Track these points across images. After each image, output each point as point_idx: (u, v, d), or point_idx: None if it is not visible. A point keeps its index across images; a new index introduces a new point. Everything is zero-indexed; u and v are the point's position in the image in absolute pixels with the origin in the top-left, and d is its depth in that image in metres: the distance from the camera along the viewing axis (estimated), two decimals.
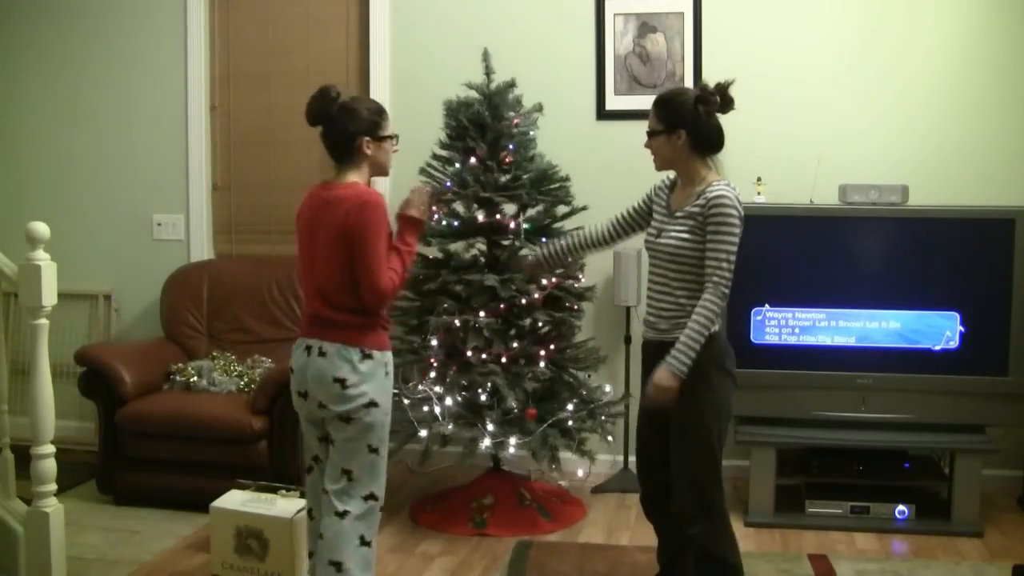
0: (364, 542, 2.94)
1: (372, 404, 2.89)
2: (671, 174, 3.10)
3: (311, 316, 2.95)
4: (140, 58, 5.13)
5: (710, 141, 2.97)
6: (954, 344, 4.07)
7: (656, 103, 3.04)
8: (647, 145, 3.05)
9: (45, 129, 5.28)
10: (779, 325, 4.16)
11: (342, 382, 2.85)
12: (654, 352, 2.98)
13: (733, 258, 2.89)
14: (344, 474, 2.92)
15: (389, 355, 2.97)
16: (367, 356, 2.88)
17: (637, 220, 3.24)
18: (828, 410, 4.15)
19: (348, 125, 2.91)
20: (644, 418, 3.14)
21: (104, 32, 5.16)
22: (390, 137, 3.00)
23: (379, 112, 2.99)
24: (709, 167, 2.98)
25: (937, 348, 4.08)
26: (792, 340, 4.16)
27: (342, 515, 2.91)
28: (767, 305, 4.16)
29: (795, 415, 4.16)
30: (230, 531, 3.56)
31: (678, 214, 2.97)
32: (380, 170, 3.03)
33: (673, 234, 2.95)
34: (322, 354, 2.88)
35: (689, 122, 2.94)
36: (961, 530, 4.02)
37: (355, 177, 2.95)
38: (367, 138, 2.93)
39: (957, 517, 4.03)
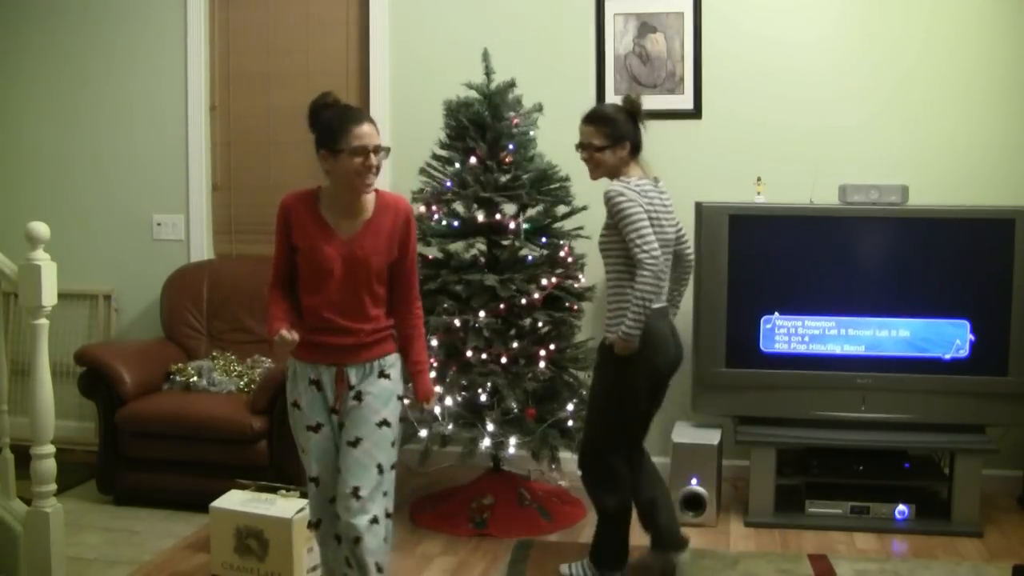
0: (379, 569, 2.91)
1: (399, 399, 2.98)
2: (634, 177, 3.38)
3: None
4: (140, 58, 5.13)
5: (641, 146, 3.41)
6: (964, 352, 4.06)
7: (598, 120, 3.38)
8: (589, 159, 3.39)
9: (45, 129, 5.28)
10: (788, 334, 4.15)
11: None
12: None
13: (640, 232, 3.20)
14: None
15: (293, 363, 2.95)
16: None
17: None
18: (828, 410, 4.15)
19: (313, 134, 2.87)
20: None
21: (104, 32, 5.17)
22: (346, 151, 2.77)
23: (340, 122, 2.79)
24: (639, 167, 3.40)
25: (947, 357, 4.07)
26: (802, 349, 4.15)
27: (355, 540, 2.91)
28: (777, 313, 4.15)
29: (795, 415, 4.16)
30: (230, 531, 3.56)
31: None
32: (348, 186, 2.83)
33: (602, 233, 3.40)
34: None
35: (631, 133, 3.36)
36: (961, 530, 4.02)
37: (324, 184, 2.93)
38: (323, 150, 2.82)
39: (957, 517, 4.03)
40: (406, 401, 3.97)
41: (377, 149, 2.84)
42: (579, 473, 3.54)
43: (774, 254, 4.17)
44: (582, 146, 3.40)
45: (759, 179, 4.43)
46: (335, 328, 2.87)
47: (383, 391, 2.91)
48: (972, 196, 4.35)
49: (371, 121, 2.86)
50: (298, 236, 2.88)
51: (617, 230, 3.27)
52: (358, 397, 2.88)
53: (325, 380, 2.90)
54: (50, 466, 3.41)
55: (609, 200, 3.27)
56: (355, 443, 2.85)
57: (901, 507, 4.09)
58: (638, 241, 3.19)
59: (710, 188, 4.46)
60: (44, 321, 3.41)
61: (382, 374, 2.92)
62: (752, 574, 3.61)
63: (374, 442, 2.85)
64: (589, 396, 3.51)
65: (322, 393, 2.91)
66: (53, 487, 3.43)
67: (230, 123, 5.12)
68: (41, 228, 3.35)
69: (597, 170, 3.40)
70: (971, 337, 4.05)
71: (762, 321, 4.15)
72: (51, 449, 3.41)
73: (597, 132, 3.34)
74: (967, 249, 4.06)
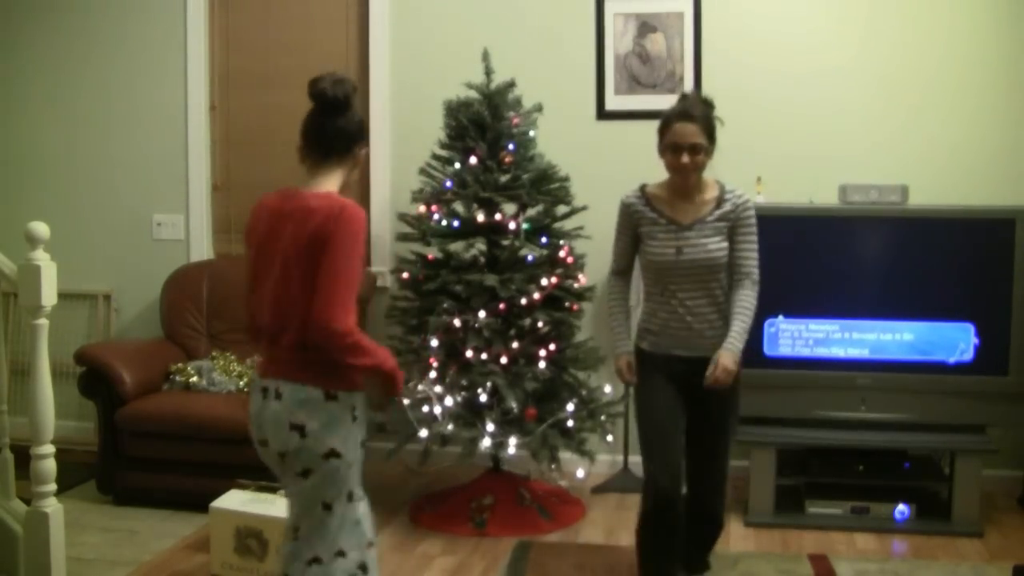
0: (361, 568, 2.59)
1: (334, 454, 2.48)
2: (629, 192, 3.24)
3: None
4: (140, 58, 5.13)
5: None
6: (968, 356, 4.05)
7: (703, 118, 3.06)
8: (692, 164, 3.04)
9: (45, 129, 5.28)
10: (792, 337, 4.15)
11: (300, 428, 2.45)
12: (690, 367, 3.11)
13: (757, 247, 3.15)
14: (293, 531, 2.60)
15: (359, 396, 2.55)
16: (331, 398, 2.48)
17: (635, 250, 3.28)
18: (828, 410, 4.15)
19: (352, 123, 2.56)
20: (668, 413, 3.16)
21: (104, 32, 5.16)
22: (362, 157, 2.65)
23: (363, 128, 2.64)
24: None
25: (952, 360, 4.06)
26: (806, 352, 4.15)
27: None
28: (781, 316, 4.15)
29: (795, 415, 4.16)
30: (230, 531, 3.56)
31: (700, 225, 3.11)
32: (345, 187, 2.63)
33: (710, 246, 3.09)
34: (278, 396, 2.49)
35: (715, 134, 3.11)
36: (961, 530, 4.01)
37: (331, 185, 2.55)
38: (362, 145, 2.60)
39: (957, 517, 4.03)
40: (406, 402, 3.93)
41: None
42: (720, 517, 3.31)
43: (774, 255, 4.13)
44: (687, 148, 3.03)
45: (759, 179, 4.43)
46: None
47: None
48: (972, 196, 4.35)
49: None
50: None
51: (729, 240, 3.11)
52: None
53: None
54: (50, 466, 3.41)
55: (748, 209, 3.11)
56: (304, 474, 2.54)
57: (901, 507, 4.09)
58: (757, 256, 3.13)
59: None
60: (44, 321, 3.40)
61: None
62: (752, 574, 3.61)
63: (322, 476, 2.53)
64: (726, 424, 3.23)
65: None
66: (53, 487, 3.42)
67: (230, 123, 5.12)
68: (41, 228, 3.35)
69: (693, 175, 3.08)
70: (975, 341, 4.05)
71: (766, 324, 4.14)
72: (51, 449, 3.41)
73: (701, 131, 3.04)
74: (967, 249, 4.06)
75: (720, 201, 3.12)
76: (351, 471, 2.54)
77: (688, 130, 3.02)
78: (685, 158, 3.03)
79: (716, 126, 3.08)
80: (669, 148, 3.07)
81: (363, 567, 2.61)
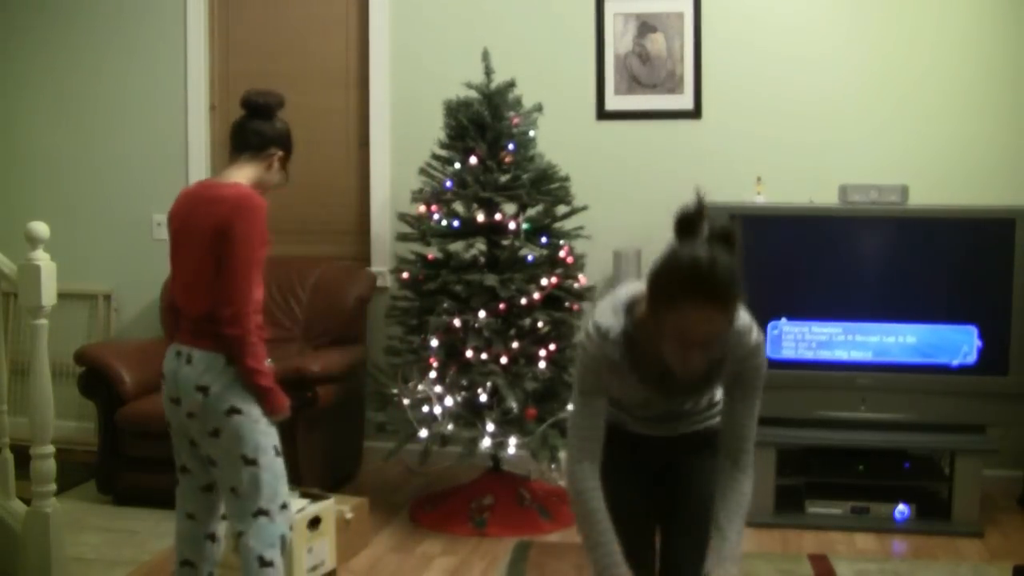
0: (264, 563, 2.77)
1: (234, 412, 2.71)
2: (603, 325, 2.14)
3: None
4: (140, 58, 5.13)
5: None
6: (972, 359, 4.05)
7: (724, 296, 1.96)
8: (703, 357, 2.02)
9: (45, 129, 5.28)
10: (796, 340, 4.15)
11: (205, 390, 2.70)
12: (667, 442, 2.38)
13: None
14: (232, 492, 2.77)
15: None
16: (231, 362, 2.71)
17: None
18: (828, 410, 4.15)
19: (271, 128, 2.88)
20: (643, 522, 2.44)
21: (104, 32, 5.16)
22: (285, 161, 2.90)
23: (289, 137, 2.93)
24: None
25: (955, 363, 4.06)
26: (809, 355, 4.14)
27: (238, 536, 2.80)
28: (784, 319, 4.15)
29: (795, 415, 4.16)
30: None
31: (694, 406, 2.35)
32: (263, 191, 2.85)
33: (708, 420, 2.36)
34: (189, 361, 2.74)
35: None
36: (961, 530, 4.01)
37: (241, 178, 2.81)
38: (282, 153, 2.89)
39: (957, 517, 4.03)
40: (406, 402, 3.93)
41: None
42: None
43: (775, 255, 4.16)
44: (701, 343, 1.98)
45: (759, 179, 4.43)
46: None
47: None
48: (972, 196, 4.35)
49: None
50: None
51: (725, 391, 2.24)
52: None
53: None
54: (50, 466, 3.41)
55: (754, 361, 2.17)
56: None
57: (901, 507, 4.09)
58: (755, 426, 2.22)
59: (710, 188, 4.39)
60: (44, 321, 3.40)
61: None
62: (752, 574, 3.61)
63: (228, 433, 2.81)
64: (705, 491, 2.32)
65: None
66: (53, 487, 3.43)
67: (230, 123, 5.09)
68: (41, 228, 3.35)
69: (704, 361, 2.05)
70: (979, 343, 4.04)
71: (769, 327, 4.14)
72: (51, 449, 3.41)
73: (725, 316, 1.98)
74: (968, 250, 4.05)
75: (722, 358, 2.15)
76: (257, 427, 2.74)
77: (708, 318, 1.94)
78: (698, 355, 2.00)
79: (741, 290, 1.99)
80: (673, 333, 1.98)
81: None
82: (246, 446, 2.74)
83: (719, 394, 2.33)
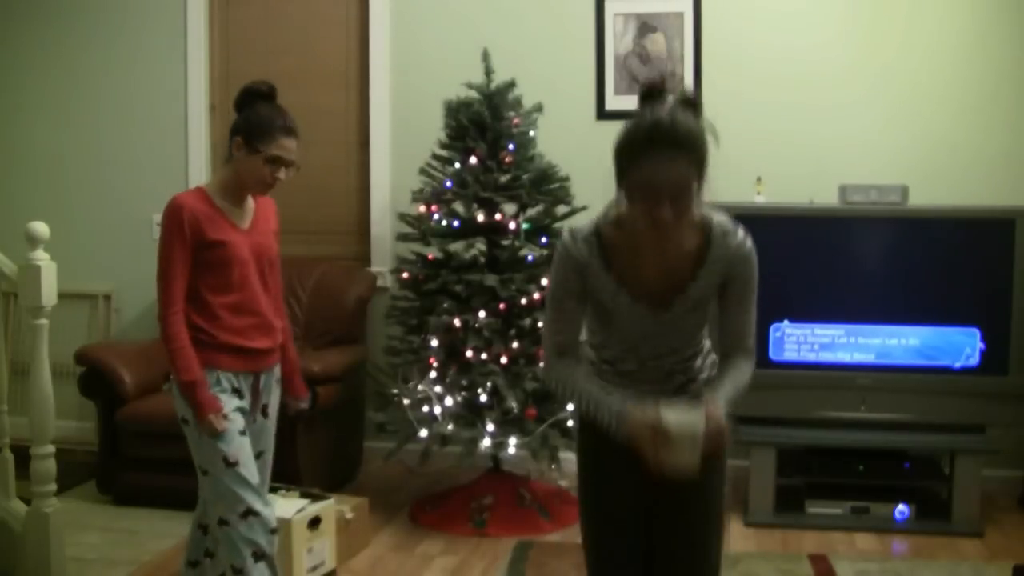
0: (235, 571, 2.72)
1: (183, 421, 2.71)
2: (575, 228, 2.26)
3: None
4: (140, 58, 5.13)
5: None
6: (974, 361, 4.05)
7: (686, 144, 1.95)
8: (677, 214, 1.98)
9: (45, 129, 5.28)
10: (798, 342, 4.14)
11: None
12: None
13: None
14: (203, 500, 2.86)
15: (214, 373, 2.72)
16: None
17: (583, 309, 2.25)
18: (828, 410, 4.15)
19: (236, 112, 2.76)
20: (619, 526, 2.29)
21: (104, 32, 5.16)
22: (264, 156, 2.72)
23: (271, 126, 2.72)
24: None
25: (957, 365, 4.06)
26: (811, 357, 4.14)
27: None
28: (786, 321, 4.15)
29: (795, 415, 4.16)
30: None
31: (682, 299, 2.17)
32: (244, 184, 2.78)
33: (693, 320, 2.21)
34: None
35: (707, 161, 2.01)
36: (961, 530, 4.02)
37: (213, 179, 2.79)
38: (241, 139, 2.73)
39: (957, 517, 4.03)
40: (406, 402, 3.94)
41: (290, 164, 2.79)
42: None
43: (775, 256, 4.13)
44: (669, 194, 1.97)
45: (759, 179, 4.43)
46: (262, 327, 2.84)
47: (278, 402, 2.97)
48: (972, 196, 4.35)
49: (298, 136, 2.82)
50: (211, 231, 2.73)
51: (718, 296, 2.18)
52: (264, 410, 2.91)
53: (245, 389, 2.84)
54: (50, 466, 3.41)
55: (745, 257, 2.14)
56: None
57: (901, 507, 4.09)
58: (754, 322, 2.20)
59: (710, 188, 4.45)
60: (44, 321, 3.40)
61: (278, 382, 2.96)
62: (752, 574, 3.61)
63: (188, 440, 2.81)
64: (712, 503, 2.27)
65: (243, 402, 2.82)
66: (53, 487, 3.43)
67: (230, 123, 5.09)
68: (41, 228, 3.35)
69: (675, 233, 2.06)
70: (981, 345, 4.04)
71: (771, 329, 4.13)
72: (51, 449, 3.41)
73: (690, 164, 1.97)
74: (968, 250, 4.05)
75: (705, 250, 2.11)
76: (202, 437, 2.70)
77: (671, 163, 1.94)
78: (667, 210, 1.96)
79: (710, 148, 1.99)
80: (639, 190, 1.97)
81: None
82: (197, 455, 2.74)
83: (707, 347, 2.30)
